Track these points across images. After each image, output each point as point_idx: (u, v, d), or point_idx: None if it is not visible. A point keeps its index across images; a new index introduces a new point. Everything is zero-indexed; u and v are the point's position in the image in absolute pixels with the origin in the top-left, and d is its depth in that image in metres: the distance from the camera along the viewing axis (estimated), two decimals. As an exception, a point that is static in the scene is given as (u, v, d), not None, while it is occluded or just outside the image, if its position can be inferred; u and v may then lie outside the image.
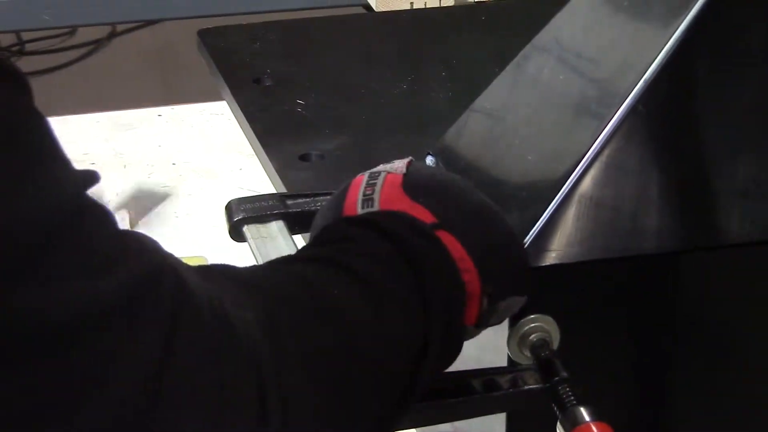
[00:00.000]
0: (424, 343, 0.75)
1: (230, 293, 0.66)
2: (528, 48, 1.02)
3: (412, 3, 2.04)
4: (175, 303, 0.60)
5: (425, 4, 1.90)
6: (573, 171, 0.87)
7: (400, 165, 0.85)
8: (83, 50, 3.07)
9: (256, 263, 0.90)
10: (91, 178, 0.59)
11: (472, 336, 0.81)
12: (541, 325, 0.85)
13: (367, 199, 0.83)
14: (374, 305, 0.74)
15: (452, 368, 0.80)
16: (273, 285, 0.71)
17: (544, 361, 0.84)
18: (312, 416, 0.67)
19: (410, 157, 0.87)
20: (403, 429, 0.83)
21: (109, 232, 0.60)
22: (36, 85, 0.61)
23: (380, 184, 0.83)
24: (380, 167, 0.85)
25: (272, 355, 0.65)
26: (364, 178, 0.85)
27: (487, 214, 0.83)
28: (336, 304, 0.72)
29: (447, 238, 0.79)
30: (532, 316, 0.85)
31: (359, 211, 0.83)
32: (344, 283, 0.74)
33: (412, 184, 0.83)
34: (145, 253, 0.61)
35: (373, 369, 0.73)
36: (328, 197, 0.89)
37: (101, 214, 0.60)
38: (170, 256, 0.64)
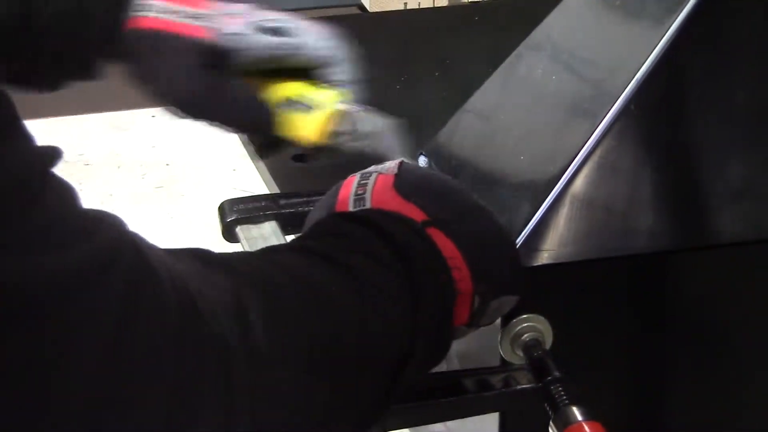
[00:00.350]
0: (412, 340, 0.75)
1: (199, 274, 0.66)
2: (521, 48, 1.02)
3: (405, 3, 2.04)
4: (132, 279, 0.60)
5: (419, 5, 1.90)
6: (565, 171, 0.87)
7: (391, 165, 0.85)
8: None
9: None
10: (54, 154, 0.59)
11: (463, 335, 0.81)
12: (533, 325, 0.85)
13: (359, 199, 0.83)
14: (363, 300, 0.73)
15: (445, 368, 0.80)
16: (251, 270, 0.71)
17: (536, 361, 0.84)
18: (286, 405, 0.67)
19: (401, 158, 0.87)
20: (395, 429, 0.83)
21: (71, 209, 0.59)
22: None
23: (372, 184, 0.83)
24: (372, 168, 0.85)
25: (241, 339, 0.65)
26: (355, 178, 0.85)
27: (479, 213, 0.83)
28: (321, 296, 0.72)
29: (438, 237, 0.79)
30: (525, 316, 0.85)
31: (351, 210, 0.83)
32: (334, 276, 0.73)
33: (404, 183, 0.83)
34: (104, 229, 0.61)
35: (357, 364, 0.72)
36: (321, 197, 0.89)
37: (63, 191, 0.59)
38: (132, 233, 0.63)
